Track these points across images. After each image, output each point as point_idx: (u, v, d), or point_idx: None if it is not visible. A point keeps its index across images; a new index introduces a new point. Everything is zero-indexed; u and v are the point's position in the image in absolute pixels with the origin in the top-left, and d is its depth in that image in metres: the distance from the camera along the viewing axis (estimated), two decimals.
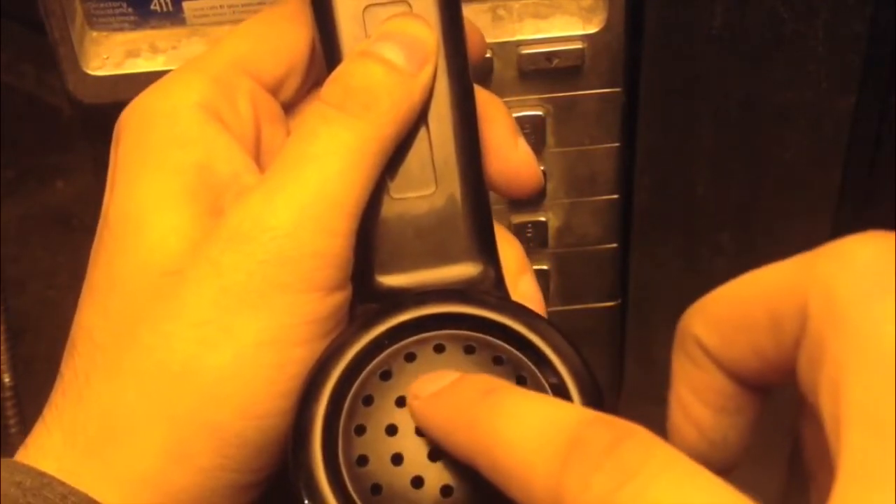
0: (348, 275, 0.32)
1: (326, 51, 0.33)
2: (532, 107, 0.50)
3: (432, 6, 0.33)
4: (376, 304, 0.32)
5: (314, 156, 0.31)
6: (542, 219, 0.53)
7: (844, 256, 0.22)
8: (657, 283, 0.56)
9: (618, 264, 0.55)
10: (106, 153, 0.55)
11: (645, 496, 0.21)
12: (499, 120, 0.35)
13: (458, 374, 0.28)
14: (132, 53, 0.48)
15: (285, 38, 0.35)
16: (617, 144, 0.51)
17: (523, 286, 0.34)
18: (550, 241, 0.54)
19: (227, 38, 0.35)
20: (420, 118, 0.33)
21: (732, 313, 0.25)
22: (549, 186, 0.52)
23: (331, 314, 0.31)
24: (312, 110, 0.32)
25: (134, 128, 0.34)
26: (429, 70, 0.32)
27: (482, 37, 0.39)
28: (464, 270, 0.33)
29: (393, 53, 0.32)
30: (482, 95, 0.35)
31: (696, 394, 0.26)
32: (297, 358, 0.30)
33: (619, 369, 0.60)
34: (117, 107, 0.49)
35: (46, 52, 0.48)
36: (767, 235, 0.54)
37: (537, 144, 0.50)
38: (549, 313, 0.34)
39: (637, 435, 0.22)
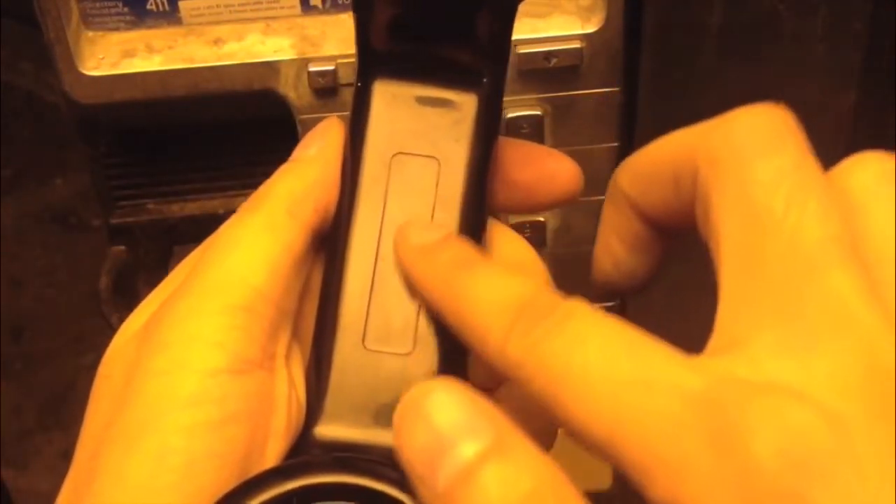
0: (259, 352, 0.30)
1: (344, 190, 0.33)
2: (530, 106, 0.49)
3: (460, 171, 0.33)
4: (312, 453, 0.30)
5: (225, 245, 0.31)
6: (541, 219, 0.53)
7: (729, 126, 0.26)
8: (657, 283, 0.56)
9: None
10: (103, 152, 0.55)
11: (561, 337, 0.25)
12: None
13: (443, 233, 0.31)
14: (128, 53, 0.48)
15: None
16: (616, 144, 0.51)
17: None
18: (549, 242, 0.53)
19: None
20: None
21: (647, 169, 0.29)
22: None
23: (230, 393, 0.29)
24: None
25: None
26: (313, 148, 0.33)
27: (567, 179, 0.35)
28: None
29: (293, 154, 0.34)
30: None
31: (616, 234, 0.31)
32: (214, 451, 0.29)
33: None
34: (113, 107, 0.49)
35: (45, 50, 0.47)
36: None
37: None
38: None
39: (571, 302, 0.26)
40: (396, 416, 0.25)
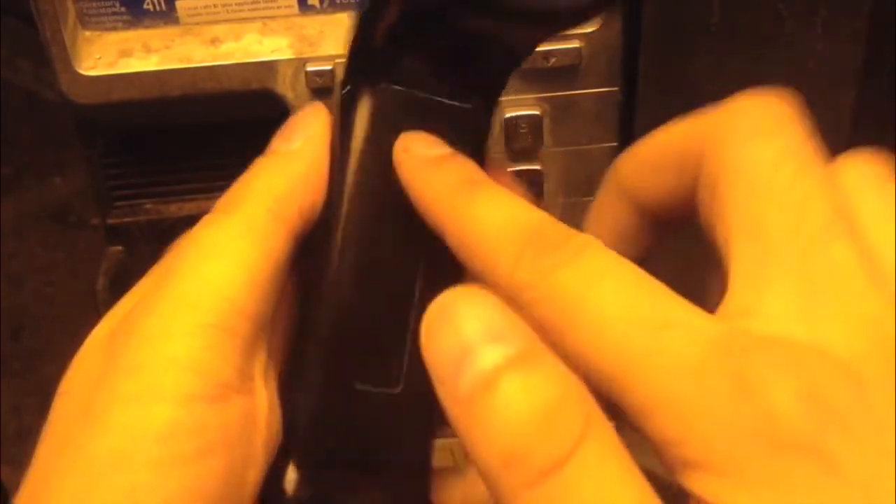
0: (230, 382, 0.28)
1: (332, 193, 0.30)
2: (529, 106, 0.49)
3: None
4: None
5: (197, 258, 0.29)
6: None
7: (735, 109, 0.26)
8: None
9: None
10: (100, 152, 0.55)
11: (575, 269, 0.24)
12: None
13: (448, 150, 0.29)
14: (125, 53, 0.48)
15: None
16: (615, 144, 0.51)
17: None
18: None
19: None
20: (410, 308, 0.30)
21: (653, 156, 0.29)
22: (547, 186, 0.51)
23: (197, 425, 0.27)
24: None
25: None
26: (297, 140, 0.31)
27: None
28: (393, 483, 0.30)
29: (273, 143, 0.31)
30: None
31: (605, 224, 0.30)
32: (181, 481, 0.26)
33: None
34: (110, 107, 0.49)
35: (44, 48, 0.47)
36: None
37: (535, 144, 0.50)
38: None
39: (585, 235, 0.25)
40: (425, 320, 0.25)
